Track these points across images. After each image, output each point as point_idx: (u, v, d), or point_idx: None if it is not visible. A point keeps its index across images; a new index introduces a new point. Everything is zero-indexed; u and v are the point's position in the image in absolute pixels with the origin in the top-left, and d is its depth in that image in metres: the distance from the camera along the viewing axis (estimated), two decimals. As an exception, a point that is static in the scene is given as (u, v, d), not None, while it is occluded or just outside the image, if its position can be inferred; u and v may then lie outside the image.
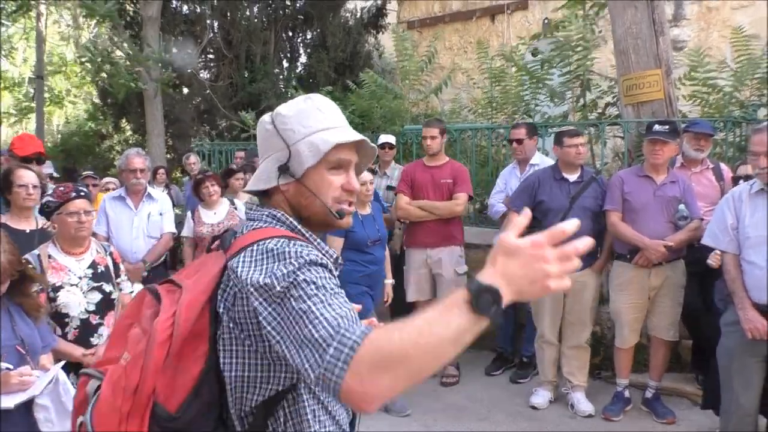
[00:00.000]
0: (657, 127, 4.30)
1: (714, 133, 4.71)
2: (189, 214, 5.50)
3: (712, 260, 3.71)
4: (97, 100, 15.52)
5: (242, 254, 1.29)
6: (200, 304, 1.29)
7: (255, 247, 1.29)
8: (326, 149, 1.38)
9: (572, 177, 4.60)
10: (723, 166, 4.79)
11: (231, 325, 1.29)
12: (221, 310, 1.29)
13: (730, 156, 5.65)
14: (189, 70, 11.76)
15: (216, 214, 5.38)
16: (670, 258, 4.28)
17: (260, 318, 1.22)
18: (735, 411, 3.38)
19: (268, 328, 1.21)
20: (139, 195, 4.79)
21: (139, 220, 4.75)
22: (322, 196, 1.40)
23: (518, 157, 5.31)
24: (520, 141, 5.22)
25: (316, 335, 1.13)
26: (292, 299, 1.18)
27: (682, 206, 4.25)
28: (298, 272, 1.21)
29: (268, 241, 1.29)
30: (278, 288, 1.20)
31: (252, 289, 1.22)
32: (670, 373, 4.84)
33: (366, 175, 4.80)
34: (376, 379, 1.07)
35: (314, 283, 1.20)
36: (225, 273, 1.30)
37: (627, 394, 4.57)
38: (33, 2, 12.49)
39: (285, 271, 1.21)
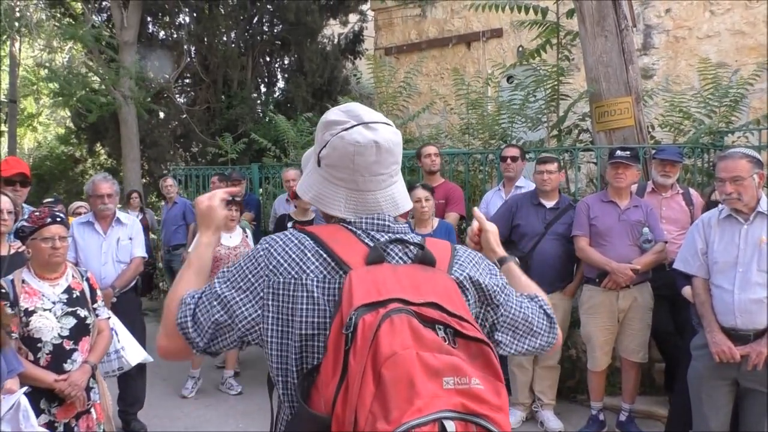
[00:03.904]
0: (619, 152, 4.42)
1: (680, 159, 4.81)
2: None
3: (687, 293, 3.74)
4: (70, 124, 15.39)
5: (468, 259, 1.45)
6: None
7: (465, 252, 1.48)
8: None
9: (549, 203, 4.68)
10: (692, 191, 4.89)
11: None
12: None
13: (699, 182, 5.79)
14: (165, 95, 11.76)
15: (232, 238, 5.49)
16: (637, 281, 4.36)
17: None
18: (705, 434, 3.43)
19: None
20: (108, 220, 4.72)
21: (107, 246, 4.67)
22: None
23: (509, 174, 5.34)
24: (514, 159, 5.26)
25: None
26: None
27: (646, 230, 4.35)
28: None
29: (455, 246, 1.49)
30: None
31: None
32: (643, 396, 4.90)
33: (420, 192, 4.67)
34: None
35: None
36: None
37: (602, 417, 4.62)
38: (9, 30, 12.40)
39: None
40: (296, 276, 1.30)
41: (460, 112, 7.88)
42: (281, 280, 1.31)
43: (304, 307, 1.29)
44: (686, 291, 3.67)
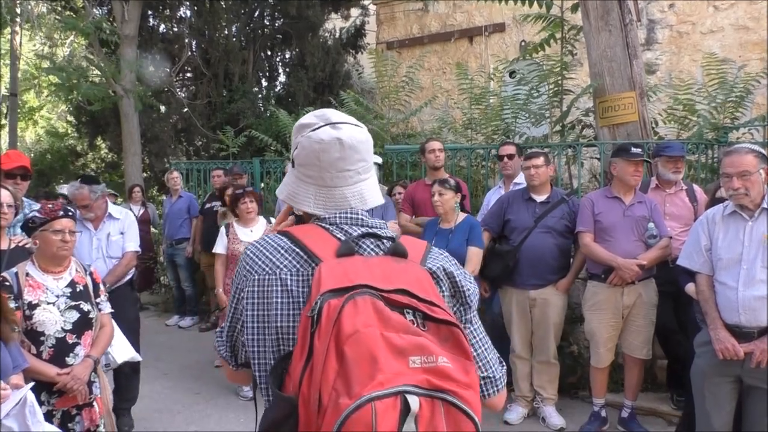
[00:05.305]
0: (634, 149, 4.39)
1: (685, 154, 4.80)
2: (222, 230, 5.34)
3: (690, 290, 3.72)
4: (71, 118, 15.35)
5: (445, 258, 1.46)
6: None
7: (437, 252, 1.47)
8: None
9: (539, 198, 4.69)
10: (696, 187, 4.88)
11: None
12: None
13: (703, 177, 5.77)
14: (166, 89, 11.73)
15: (253, 232, 5.22)
16: (642, 277, 4.34)
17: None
18: (708, 432, 3.41)
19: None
20: (99, 216, 4.64)
21: (98, 241, 4.58)
22: None
23: (507, 172, 5.35)
24: (511, 156, 5.27)
25: None
26: None
27: (651, 225, 4.34)
28: None
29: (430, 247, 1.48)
30: None
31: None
32: (645, 393, 4.90)
33: (434, 186, 4.70)
34: None
35: None
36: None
37: (604, 413, 4.61)
38: (10, 22, 12.38)
39: None
40: (270, 271, 1.36)
41: (462, 106, 7.86)
42: (256, 277, 1.37)
43: (280, 299, 1.34)
44: (689, 288, 3.65)
